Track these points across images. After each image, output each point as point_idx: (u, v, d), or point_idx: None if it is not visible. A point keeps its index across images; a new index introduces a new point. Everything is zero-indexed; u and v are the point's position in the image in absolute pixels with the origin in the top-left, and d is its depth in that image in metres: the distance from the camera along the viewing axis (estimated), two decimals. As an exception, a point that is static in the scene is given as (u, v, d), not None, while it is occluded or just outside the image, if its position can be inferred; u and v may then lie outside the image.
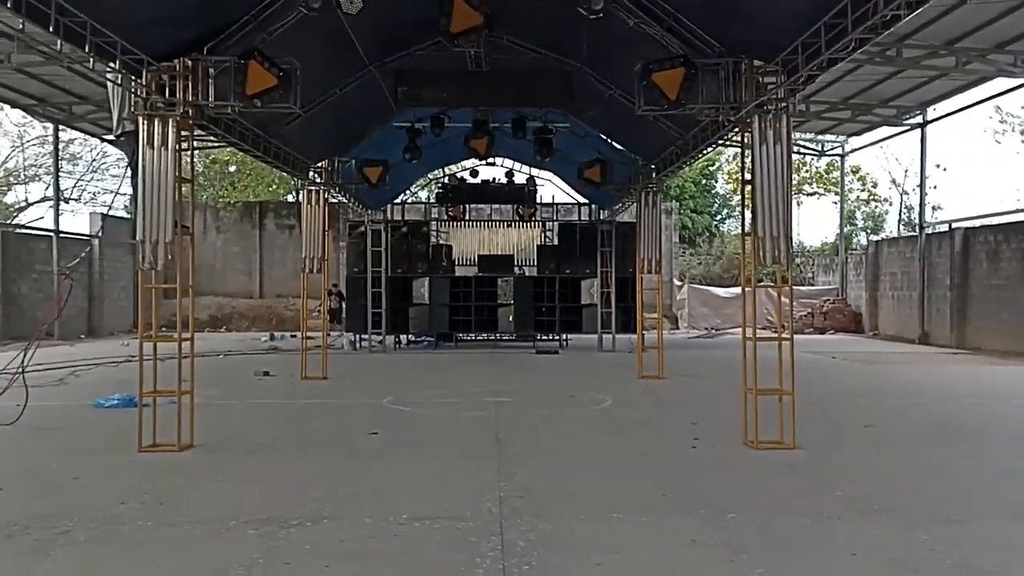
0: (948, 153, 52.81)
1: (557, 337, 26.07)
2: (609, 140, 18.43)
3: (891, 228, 42.50)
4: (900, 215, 41.55)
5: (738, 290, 36.01)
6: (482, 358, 23.00)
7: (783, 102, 10.27)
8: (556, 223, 26.97)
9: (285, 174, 38.47)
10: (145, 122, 10.20)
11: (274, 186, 41.46)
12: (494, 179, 24.02)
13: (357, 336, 25.51)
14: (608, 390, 15.69)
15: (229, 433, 11.49)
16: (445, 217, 26.23)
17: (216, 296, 36.24)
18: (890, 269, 31.53)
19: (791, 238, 10.46)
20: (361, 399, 14.92)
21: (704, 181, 46.80)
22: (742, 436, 10.56)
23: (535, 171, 25.55)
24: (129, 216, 34.57)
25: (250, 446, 10.59)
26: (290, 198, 40.52)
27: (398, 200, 26.96)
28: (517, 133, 14.88)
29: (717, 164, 45.75)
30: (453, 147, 21.37)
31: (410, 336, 26.34)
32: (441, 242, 27.13)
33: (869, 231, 42.63)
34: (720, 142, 14.46)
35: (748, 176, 10.54)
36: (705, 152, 14.76)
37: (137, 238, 10.30)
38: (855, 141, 33.95)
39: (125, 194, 36.63)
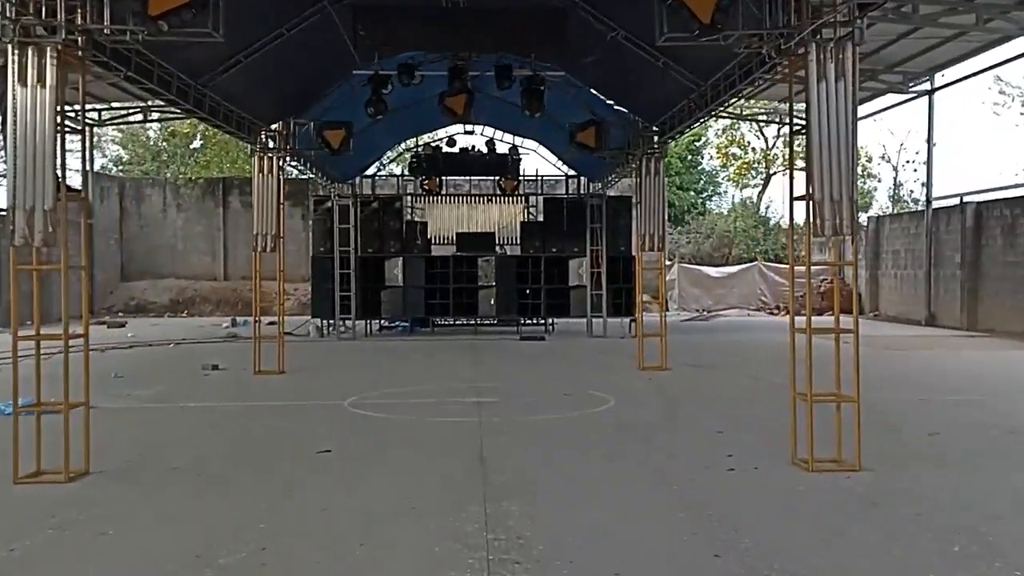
0: (941, 128, 50.58)
1: (543, 322, 23.65)
2: (605, 99, 15.93)
3: (882, 205, 40.36)
4: (895, 191, 39.37)
5: (731, 269, 33.95)
6: (461, 346, 20.58)
7: (848, 26, 7.82)
8: (541, 198, 24.46)
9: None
10: (16, 52, 7.62)
11: (239, 161, 38.62)
12: (473, 147, 21.42)
13: (324, 322, 22.96)
14: (608, 385, 13.36)
15: (143, 451, 9.00)
16: (420, 191, 23.56)
17: (177, 279, 33.57)
18: (892, 247, 29.34)
19: (856, 202, 8.05)
20: (319, 399, 12.48)
21: (690, 157, 44.39)
22: (788, 451, 8.20)
23: (519, 140, 22.96)
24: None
25: (162, 472, 8.09)
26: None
27: (368, 173, 24.31)
28: (502, 83, 12.34)
29: (704, 139, 43.34)
30: (427, 111, 18.79)
31: (382, 321, 23.82)
32: (416, 219, 24.53)
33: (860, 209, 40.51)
34: (746, 91, 11.96)
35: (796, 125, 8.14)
36: (727, 105, 12.31)
37: (6, 204, 7.72)
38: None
39: (71, 169, 33.94)
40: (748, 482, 7.60)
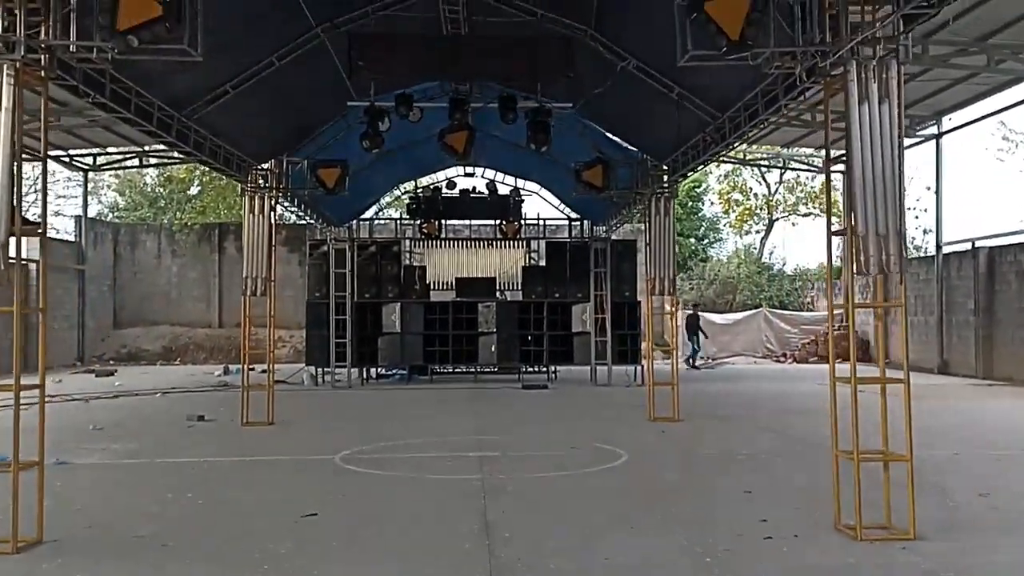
0: (945, 172, 50.04)
1: (545, 369, 22.64)
2: (611, 136, 15.15)
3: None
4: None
5: (735, 316, 32.96)
6: (461, 395, 19.56)
7: (892, 42, 7.00)
8: (543, 241, 23.59)
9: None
10: (-31, 69, 6.80)
11: (237, 207, 37.88)
12: (474, 188, 20.60)
13: (319, 370, 21.95)
14: (618, 437, 12.36)
15: (107, 516, 7.99)
16: (419, 235, 22.69)
17: (171, 325, 32.57)
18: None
19: (904, 236, 7.15)
20: (308, 454, 11.48)
21: (691, 203, 43.70)
22: (828, 516, 7.22)
23: (520, 182, 22.19)
24: (73, 240, 31.00)
25: (124, 541, 7.08)
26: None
27: (366, 216, 23.48)
28: (506, 115, 11.51)
29: (704, 185, 42.70)
30: (426, 152, 18.13)
31: (379, 369, 22.79)
32: (414, 263, 23.64)
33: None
34: (770, 121, 11.11)
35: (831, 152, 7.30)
36: (746, 138, 11.47)
37: (-47, 238, 6.83)
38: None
39: (64, 215, 33.18)
40: (791, 553, 6.61)
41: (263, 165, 14.34)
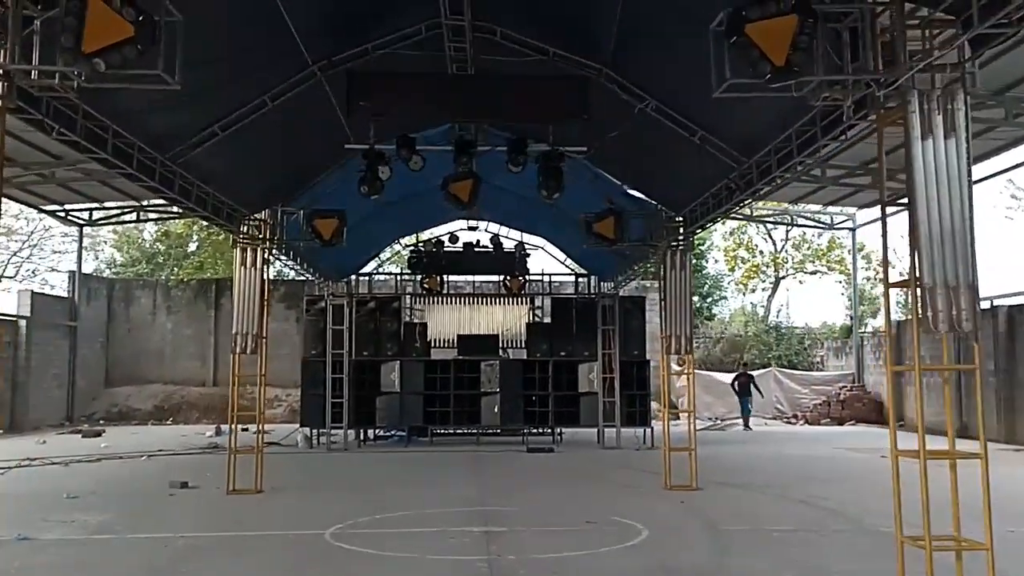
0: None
1: (551, 431, 21.52)
2: (623, 185, 14.30)
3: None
4: (906, 298, 37.69)
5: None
6: (463, 458, 18.44)
7: (957, 70, 6.16)
8: (548, 298, 22.63)
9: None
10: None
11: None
12: (478, 242, 19.73)
13: (314, 431, 20.84)
14: (635, 509, 11.28)
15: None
16: (420, 291, 21.75)
17: (164, 384, 31.45)
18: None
19: (977, 288, 6.22)
20: (296, 528, 10.39)
21: (694, 260, 42.89)
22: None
23: (526, 237, 21.31)
24: (63, 295, 30.08)
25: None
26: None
27: (365, 271, 22.56)
28: (516, 160, 10.64)
29: (708, 242, 41.97)
30: (428, 204, 17.30)
31: (377, 431, 21.67)
32: (415, 320, 22.65)
33: (868, 314, 38.55)
34: (805, 163, 10.19)
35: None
36: (778, 181, 10.55)
37: None
38: (866, 214, 30.18)
39: (59, 270, 32.36)
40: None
41: (256, 215, 13.49)
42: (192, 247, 38.86)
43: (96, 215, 28.53)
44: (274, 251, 14.50)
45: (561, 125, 10.13)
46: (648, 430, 20.57)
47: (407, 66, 9.91)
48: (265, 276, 13.59)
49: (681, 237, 13.59)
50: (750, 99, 9.02)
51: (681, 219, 13.81)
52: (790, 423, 29.38)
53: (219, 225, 12.75)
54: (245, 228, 13.51)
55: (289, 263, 19.04)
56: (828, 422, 28.68)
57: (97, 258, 39.28)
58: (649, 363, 21.69)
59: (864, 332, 31.98)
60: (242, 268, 13.45)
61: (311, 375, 20.78)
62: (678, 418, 31.34)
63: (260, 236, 13.57)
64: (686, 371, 14.17)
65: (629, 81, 10.24)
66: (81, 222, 28.84)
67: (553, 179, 10.61)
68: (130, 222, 31.19)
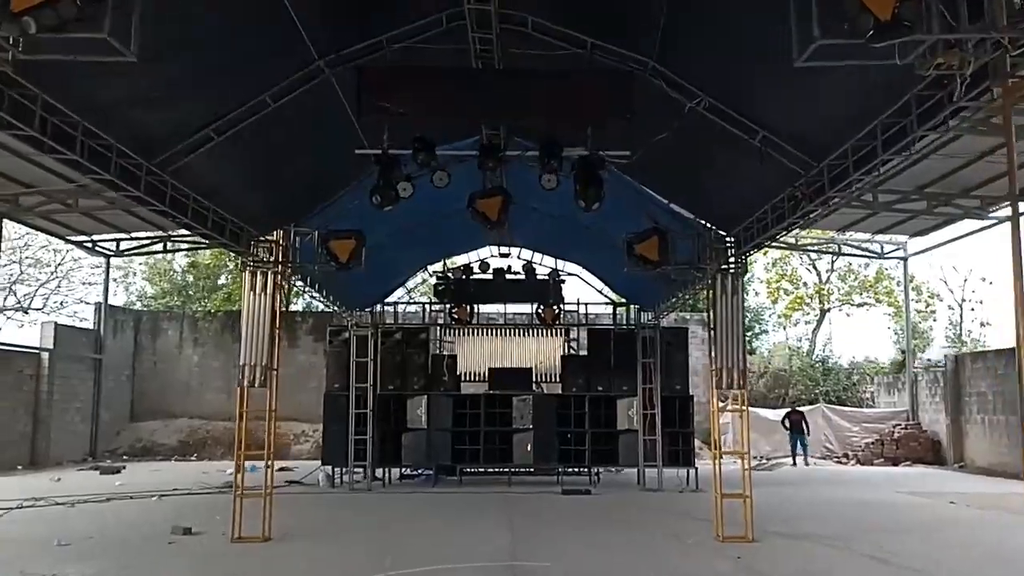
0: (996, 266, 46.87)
1: (587, 471, 19.94)
2: (667, 202, 12.86)
3: (939, 345, 36.47)
4: (959, 330, 35.53)
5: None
6: (494, 500, 16.95)
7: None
8: (585, 329, 21.14)
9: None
10: None
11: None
12: (509, 267, 18.36)
13: (336, 470, 19.47)
14: (686, 567, 9.76)
15: None
16: (449, 321, 20.40)
17: (189, 419, 30.33)
18: (977, 388, 25.44)
19: None
20: (300, 587, 8.95)
21: (734, 294, 41.13)
22: None
23: (560, 264, 19.88)
24: (89, 326, 29.18)
25: None
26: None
27: (390, 300, 21.28)
28: (548, 164, 9.22)
29: (749, 274, 40.23)
30: (455, 227, 16.01)
31: (403, 469, 20.23)
32: (443, 352, 21.26)
33: (919, 348, 36.43)
34: (894, 164, 8.64)
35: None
36: (855, 188, 9.01)
37: None
38: (918, 243, 28.33)
39: (87, 302, 31.54)
40: None
41: (264, 236, 12.26)
42: (223, 279, 37.99)
43: (124, 245, 27.87)
44: (290, 276, 13.23)
45: (601, 127, 8.79)
46: (692, 471, 18.93)
47: (425, 61, 8.65)
48: (277, 302, 12.34)
49: (733, 259, 12.11)
50: (823, 91, 7.67)
51: (731, 240, 12.34)
52: (840, 463, 27.46)
53: (223, 246, 11.52)
54: (254, 249, 12.27)
55: (312, 293, 17.82)
56: (881, 462, 26.73)
57: (128, 291, 38.54)
58: (692, 399, 20.10)
59: (920, 367, 29.96)
60: (251, 294, 12.22)
61: (333, 410, 19.46)
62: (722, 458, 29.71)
63: (271, 259, 12.33)
64: (739, 407, 12.59)
65: (678, 75, 8.87)
66: (108, 253, 28.07)
67: (593, 186, 9.20)
68: (157, 252, 30.36)
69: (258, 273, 12.21)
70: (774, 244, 22.05)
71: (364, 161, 10.25)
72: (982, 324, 35.57)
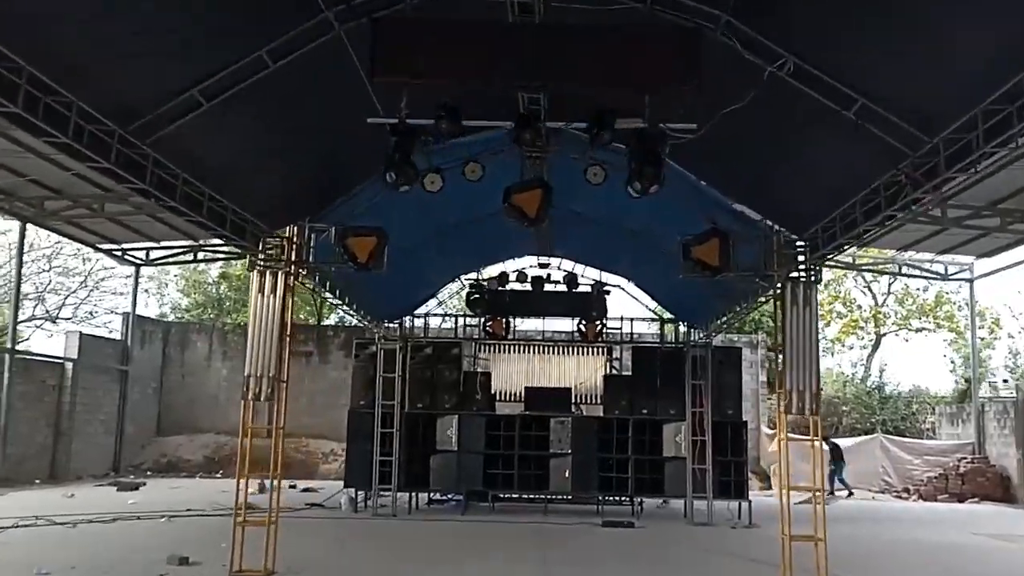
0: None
1: (630, 501, 18.17)
2: (730, 202, 11.16)
3: (997, 375, 33.98)
4: (1017, 360, 33.06)
5: (845, 443, 27.77)
6: (527, 532, 15.30)
7: None
8: (630, 346, 19.41)
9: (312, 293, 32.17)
10: None
11: (301, 306, 34.91)
12: (548, 276, 16.76)
13: (360, 493, 17.94)
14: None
15: None
16: (483, 336, 18.83)
17: (216, 434, 29.06)
18: (1053, 420, 23.21)
19: None
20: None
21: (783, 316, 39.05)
22: None
23: (604, 276, 18.16)
24: (115, 337, 28.11)
25: None
26: (311, 320, 33.73)
27: (420, 311, 19.75)
28: (599, 135, 7.60)
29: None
30: (491, 231, 14.50)
31: (432, 494, 18.62)
32: (477, 369, 19.64)
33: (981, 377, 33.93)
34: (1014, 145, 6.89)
35: None
36: (978, 169, 7.22)
37: None
38: (985, 265, 26.13)
39: (117, 312, 30.49)
40: None
41: (275, 231, 10.83)
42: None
43: (155, 255, 26.85)
44: (303, 277, 11.77)
45: (660, 94, 7.21)
46: (745, 503, 17.08)
47: (453, 13, 7.15)
48: (288, 307, 10.88)
49: (807, 264, 10.40)
50: (948, 43, 6.01)
51: (803, 243, 10.63)
52: (901, 498, 25.26)
53: (225, 238, 10.09)
54: (262, 247, 10.84)
55: (334, 300, 16.39)
56: (946, 498, 24.49)
57: (162, 302, 37.63)
58: (746, 424, 18.27)
59: (991, 397, 27.66)
60: (259, 296, 10.78)
61: (358, 429, 17.96)
62: (769, 485, 27.69)
63: (282, 257, 10.89)
64: (810, 437, 10.83)
65: (758, 32, 7.24)
66: (138, 262, 27.07)
67: (651, 166, 7.59)
68: (187, 262, 29.31)
69: (267, 273, 10.79)
70: (828, 263, 19.94)
71: (387, 143, 8.74)
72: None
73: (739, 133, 9.04)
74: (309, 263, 11.18)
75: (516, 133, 7.75)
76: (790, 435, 27.77)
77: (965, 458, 25.74)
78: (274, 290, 10.81)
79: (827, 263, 11.77)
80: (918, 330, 33.04)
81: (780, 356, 10.82)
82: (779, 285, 10.77)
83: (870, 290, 33.95)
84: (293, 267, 11.04)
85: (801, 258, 10.69)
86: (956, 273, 26.77)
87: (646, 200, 10.68)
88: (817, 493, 10.68)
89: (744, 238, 11.08)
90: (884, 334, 33.87)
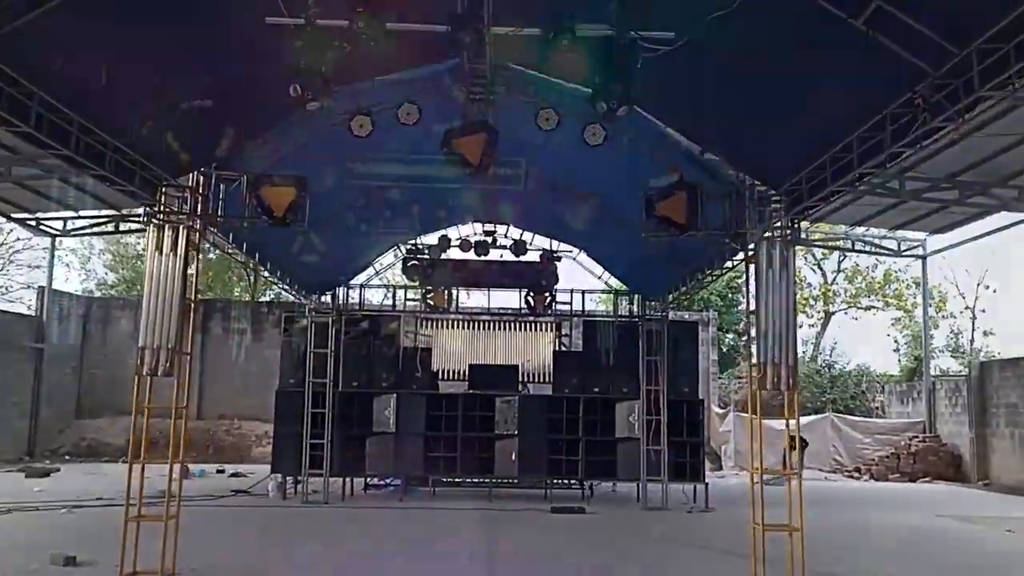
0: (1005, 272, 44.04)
1: (580, 485, 16.89)
2: (698, 151, 9.80)
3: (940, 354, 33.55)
4: (959, 339, 32.70)
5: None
6: (471, 519, 13.99)
7: None
8: (581, 320, 18.08)
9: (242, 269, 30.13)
10: None
11: (233, 284, 33.00)
12: (494, 240, 15.18)
13: (289, 479, 16.36)
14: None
15: None
16: (424, 309, 17.25)
17: (142, 416, 26.91)
18: (1006, 399, 22.58)
19: None
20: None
21: (730, 295, 38.27)
22: None
23: (555, 245, 16.71)
24: (30, 313, 25.91)
25: None
26: (246, 297, 31.81)
27: (356, 282, 18.10)
28: (557, 42, 6.13)
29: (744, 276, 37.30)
30: (434, 195, 12.99)
31: (367, 479, 17.10)
32: (417, 345, 18.13)
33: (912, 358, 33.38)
34: None
35: None
36: (1014, 86, 5.88)
37: None
38: (937, 241, 25.42)
39: (34, 287, 28.15)
40: None
41: (176, 180, 9.16)
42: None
43: (73, 224, 24.78)
44: (207, 232, 10.10)
45: (632, -4, 5.77)
46: (701, 486, 15.93)
47: None
48: (187, 267, 9.24)
49: (785, 221, 9.10)
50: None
51: (780, 198, 9.35)
52: (852, 477, 24.50)
53: (108, 182, 8.36)
54: (161, 198, 9.18)
55: (270, 278, 14.74)
56: (897, 477, 23.80)
57: (86, 278, 35.26)
58: (703, 403, 17.12)
59: (942, 375, 27.03)
60: (156, 255, 9.12)
61: (287, 409, 16.36)
62: (720, 466, 26.75)
63: (184, 210, 9.25)
64: (792, 414, 9.59)
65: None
66: (54, 232, 24.95)
67: (619, 81, 6.13)
68: (108, 233, 27.21)
69: (166, 228, 9.12)
70: (858, 192, 17.91)
71: (310, 83, 7.12)
72: (985, 333, 32.87)
73: (711, 67, 7.68)
74: (216, 217, 9.53)
75: (452, 36, 6.21)
76: (738, 413, 26.96)
77: (916, 437, 25.08)
78: (175, 248, 9.17)
79: (809, 217, 10.46)
80: (867, 308, 32.40)
81: (753, 326, 9.53)
82: (752, 246, 9.47)
83: (820, 268, 33.24)
84: (197, 221, 9.39)
85: (782, 214, 9.36)
86: (909, 249, 26.07)
87: (603, 153, 9.33)
88: (793, 476, 9.39)
89: (714, 193, 9.75)
90: (833, 312, 33.19)
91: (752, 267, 9.48)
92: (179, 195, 9.30)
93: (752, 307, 9.46)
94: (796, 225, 9.42)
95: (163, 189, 9.18)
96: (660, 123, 9.34)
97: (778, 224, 9.44)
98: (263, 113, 9.03)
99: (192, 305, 9.51)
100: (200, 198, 9.38)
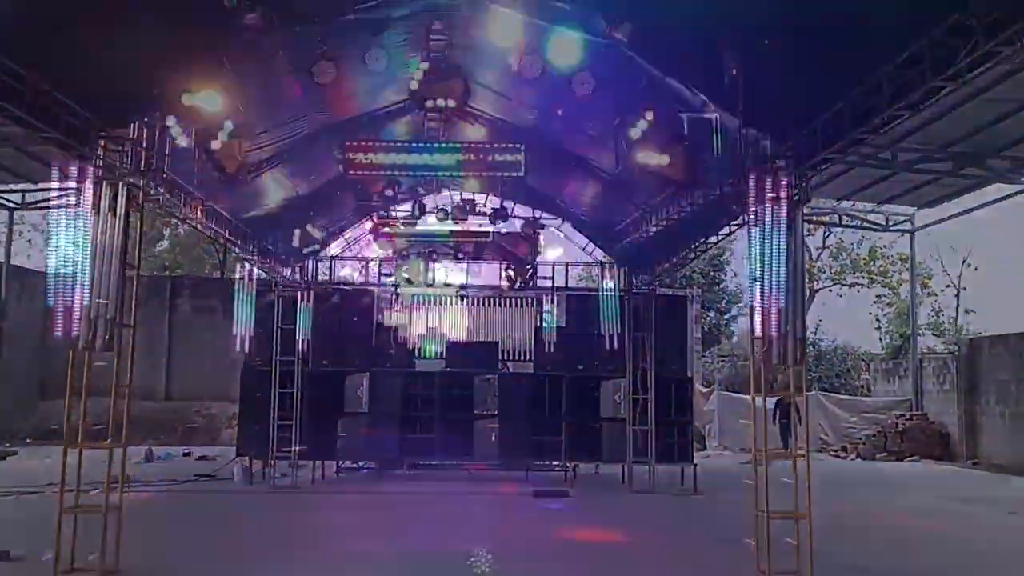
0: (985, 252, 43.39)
1: (563, 467, 16.02)
2: (696, 98, 8.81)
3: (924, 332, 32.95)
4: (955, 316, 32.06)
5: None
6: (448, 506, 13.06)
7: None
8: (564, 294, 17.17)
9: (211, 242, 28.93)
10: None
11: (202, 259, 31.79)
12: (472, 207, 14.18)
13: (258, 463, 15.36)
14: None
15: None
16: (399, 283, 16.24)
17: (107, 396, 25.77)
18: (996, 377, 21.92)
19: None
20: None
21: (712, 273, 37.53)
22: None
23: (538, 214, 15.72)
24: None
25: None
26: (216, 274, 30.63)
27: (327, 254, 17.05)
28: None
29: (728, 253, 36.55)
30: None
31: (339, 463, 16.14)
32: (392, 321, 17.13)
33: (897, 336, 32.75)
34: None
35: None
36: None
37: None
38: (926, 215, 24.71)
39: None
40: None
41: (114, 130, 8.09)
42: (166, 243, 33.45)
43: (32, 197, 23.60)
44: (151, 187, 8.99)
45: None
46: (689, 468, 15.11)
47: None
48: (129, 228, 8.22)
49: (790, 178, 8.18)
50: None
51: (789, 153, 8.42)
52: (839, 456, 23.84)
53: (38, 132, 7.31)
54: (99, 150, 8.11)
55: (237, 251, 13.65)
56: (885, 456, 23.15)
57: (51, 255, 33.82)
58: (692, 381, 16.28)
59: (929, 352, 26.41)
60: (95, 215, 8.08)
61: (253, 388, 15.33)
62: (704, 446, 26.01)
63: (126, 164, 8.20)
64: (798, 391, 8.73)
65: None
66: (12, 205, 23.74)
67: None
68: (67, 206, 25.90)
69: (104, 185, 8.07)
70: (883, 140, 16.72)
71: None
72: (967, 311, 32.35)
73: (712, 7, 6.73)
74: (161, 172, 8.47)
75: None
76: (723, 392, 26.11)
77: (903, 415, 24.45)
78: (114, 208, 8.13)
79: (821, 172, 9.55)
80: (851, 285, 31.73)
81: (754, 298, 8.61)
82: (754, 208, 8.53)
83: (805, 244, 32.54)
84: (140, 178, 8.34)
85: (787, 170, 8.43)
86: (898, 223, 25.38)
87: (590, 105, 8.37)
88: (799, 456, 8.50)
89: (715, 147, 8.79)
90: (818, 289, 32.49)
91: (755, 231, 8.57)
92: (118, 148, 8.24)
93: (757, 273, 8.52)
94: (804, 184, 8.48)
95: (101, 141, 8.11)
96: (655, 69, 8.35)
97: (784, 182, 8.51)
98: (218, 61, 7.94)
99: (137, 273, 8.50)
100: (143, 152, 8.33)
